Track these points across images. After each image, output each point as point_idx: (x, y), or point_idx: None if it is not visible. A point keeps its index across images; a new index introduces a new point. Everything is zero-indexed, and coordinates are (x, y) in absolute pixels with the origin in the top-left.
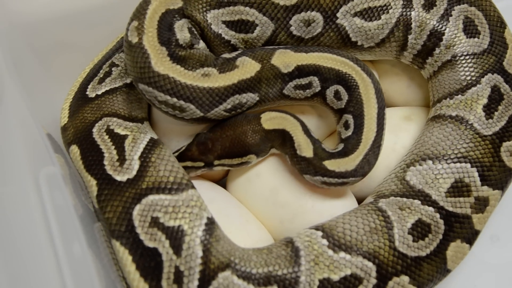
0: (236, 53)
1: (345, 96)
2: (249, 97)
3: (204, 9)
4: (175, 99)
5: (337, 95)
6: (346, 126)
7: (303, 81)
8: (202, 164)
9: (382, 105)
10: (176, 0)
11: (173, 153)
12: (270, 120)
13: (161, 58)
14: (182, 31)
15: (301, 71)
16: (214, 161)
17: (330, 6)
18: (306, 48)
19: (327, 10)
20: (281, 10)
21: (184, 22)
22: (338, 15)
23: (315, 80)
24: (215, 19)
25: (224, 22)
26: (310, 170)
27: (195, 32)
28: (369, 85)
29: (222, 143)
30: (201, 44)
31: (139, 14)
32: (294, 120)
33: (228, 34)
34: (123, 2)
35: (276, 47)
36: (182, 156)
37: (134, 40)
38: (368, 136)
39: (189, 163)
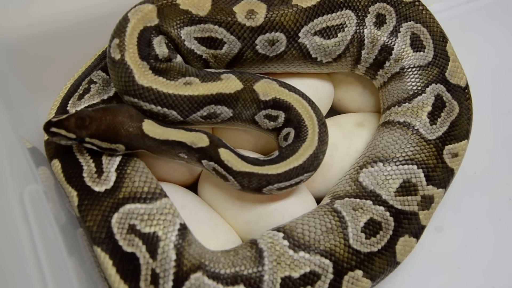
0: (224, 70)
1: (291, 140)
2: (224, 111)
3: (178, 26)
4: (159, 107)
5: (286, 136)
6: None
7: (274, 112)
8: (74, 136)
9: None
10: (152, 18)
11: (53, 118)
12: (154, 129)
13: (143, 72)
14: (160, 47)
15: (276, 103)
16: (85, 138)
17: (293, 27)
18: (289, 86)
19: (290, 31)
20: (247, 31)
21: (161, 38)
22: (300, 34)
23: (281, 116)
24: (188, 36)
25: (196, 38)
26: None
27: (172, 47)
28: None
29: (98, 124)
30: (178, 58)
31: (119, 32)
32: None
33: (200, 49)
34: (101, 19)
35: (265, 76)
36: (59, 123)
37: (117, 56)
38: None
39: (63, 132)
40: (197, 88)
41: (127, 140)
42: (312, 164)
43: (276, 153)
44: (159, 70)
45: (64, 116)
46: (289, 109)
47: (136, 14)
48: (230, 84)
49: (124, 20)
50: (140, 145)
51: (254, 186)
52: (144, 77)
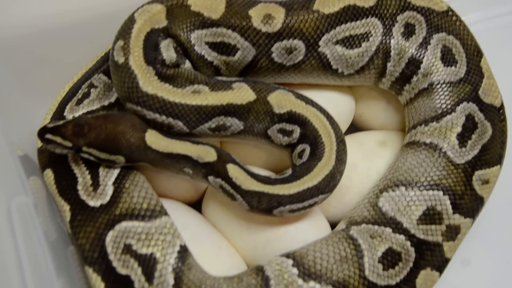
0: (237, 78)
1: (306, 157)
2: (234, 123)
3: (188, 29)
4: (164, 117)
5: (301, 153)
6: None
7: (288, 127)
8: (70, 144)
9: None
10: (161, 19)
11: (49, 123)
12: (157, 141)
13: (148, 78)
14: (168, 51)
15: (291, 116)
16: (83, 147)
17: (313, 34)
18: (307, 99)
19: (310, 39)
20: (263, 37)
21: (169, 42)
22: (320, 43)
23: (296, 131)
24: (199, 40)
25: (207, 43)
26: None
27: (181, 52)
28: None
29: (97, 133)
30: (187, 64)
31: (125, 33)
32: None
33: (211, 55)
34: (106, 19)
35: (281, 87)
36: (55, 130)
37: (121, 60)
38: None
39: (59, 139)
40: (206, 97)
41: (128, 151)
42: (328, 185)
43: (290, 171)
44: (166, 76)
45: (61, 122)
46: (305, 123)
47: (143, 15)
48: (242, 94)
49: (130, 21)
50: (141, 157)
51: (264, 207)
52: (149, 83)
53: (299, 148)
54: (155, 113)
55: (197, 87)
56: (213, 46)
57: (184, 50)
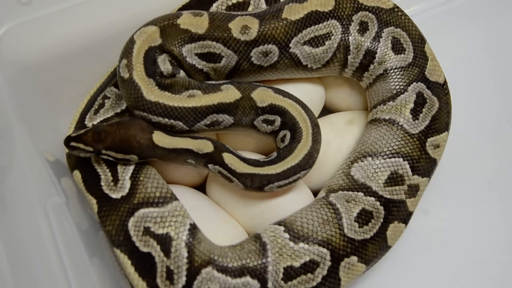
0: (224, 81)
1: (287, 141)
2: (225, 118)
3: (180, 44)
4: (166, 119)
5: (283, 138)
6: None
7: (270, 117)
8: (91, 149)
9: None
10: (156, 38)
11: (72, 132)
12: (163, 140)
13: (150, 89)
14: (164, 64)
15: (272, 108)
16: (102, 150)
17: (284, 38)
18: (284, 92)
19: (281, 42)
20: (243, 45)
21: (165, 56)
22: (290, 45)
23: (277, 120)
24: (189, 52)
25: (196, 54)
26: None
27: (175, 64)
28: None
29: (113, 137)
30: (181, 73)
31: (127, 53)
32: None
33: (201, 64)
34: (111, 40)
35: (261, 84)
36: (78, 138)
37: (126, 75)
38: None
39: (81, 145)
40: (200, 99)
41: (139, 150)
42: (308, 162)
43: (275, 154)
44: (165, 86)
45: (82, 131)
46: (284, 113)
47: (141, 36)
48: (229, 94)
49: (131, 42)
50: (151, 154)
51: (256, 186)
52: (151, 93)
53: (281, 134)
54: (159, 117)
55: (192, 92)
56: (202, 56)
57: (178, 62)
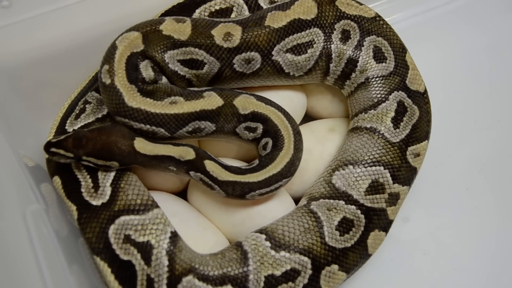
0: (206, 88)
1: (269, 149)
2: (207, 125)
3: (162, 50)
4: (148, 126)
5: (265, 146)
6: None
7: (253, 124)
8: (72, 155)
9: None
10: (138, 44)
11: (52, 138)
12: (144, 146)
13: (132, 95)
14: (147, 70)
15: (254, 116)
16: (82, 156)
17: (266, 46)
18: (266, 100)
19: (264, 50)
20: (225, 52)
21: (147, 62)
22: (273, 53)
23: (259, 127)
24: (172, 59)
25: (179, 60)
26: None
27: (157, 70)
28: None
29: (94, 144)
30: (164, 79)
31: (109, 58)
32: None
33: (183, 70)
34: (92, 44)
35: (243, 92)
36: (58, 144)
37: (108, 81)
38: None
39: (62, 151)
40: (182, 106)
41: (121, 157)
42: (289, 170)
43: (257, 161)
44: (147, 92)
45: (62, 137)
46: (266, 121)
47: (123, 41)
48: (212, 101)
49: (113, 47)
50: (132, 161)
51: (238, 193)
52: (133, 99)
53: (263, 141)
54: (140, 123)
55: (174, 99)
56: (184, 62)
57: (160, 68)
